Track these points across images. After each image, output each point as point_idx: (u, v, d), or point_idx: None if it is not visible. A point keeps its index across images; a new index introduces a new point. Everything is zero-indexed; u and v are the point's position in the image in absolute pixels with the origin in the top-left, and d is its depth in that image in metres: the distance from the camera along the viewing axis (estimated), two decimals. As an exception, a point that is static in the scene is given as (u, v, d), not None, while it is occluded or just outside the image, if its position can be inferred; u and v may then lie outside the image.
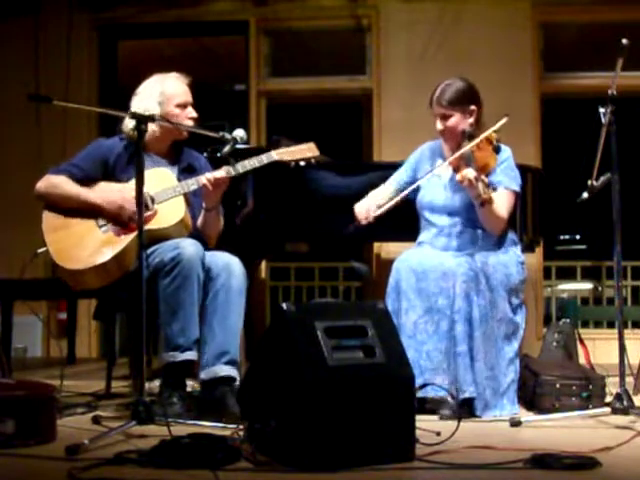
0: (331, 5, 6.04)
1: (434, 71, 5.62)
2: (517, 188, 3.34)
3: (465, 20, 5.79)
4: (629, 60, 2.94)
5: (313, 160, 3.28)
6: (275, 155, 3.19)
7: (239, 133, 3.22)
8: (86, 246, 3.11)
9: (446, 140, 3.38)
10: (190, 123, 3.28)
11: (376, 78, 5.93)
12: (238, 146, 3.24)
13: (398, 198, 3.33)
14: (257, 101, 6.10)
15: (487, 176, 3.13)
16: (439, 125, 3.34)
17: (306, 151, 3.23)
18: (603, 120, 2.93)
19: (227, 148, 3.21)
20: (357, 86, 6.14)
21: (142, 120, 2.82)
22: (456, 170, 3.21)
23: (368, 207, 3.35)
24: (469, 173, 3.05)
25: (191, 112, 3.31)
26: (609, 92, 2.95)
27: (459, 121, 3.31)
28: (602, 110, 2.94)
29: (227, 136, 3.21)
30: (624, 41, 2.88)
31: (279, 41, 6.23)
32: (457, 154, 3.22)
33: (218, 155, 3.34)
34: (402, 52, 5.86)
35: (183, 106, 3.29)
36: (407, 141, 5.38)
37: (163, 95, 3.26)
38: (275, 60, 6.20)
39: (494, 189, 3.09)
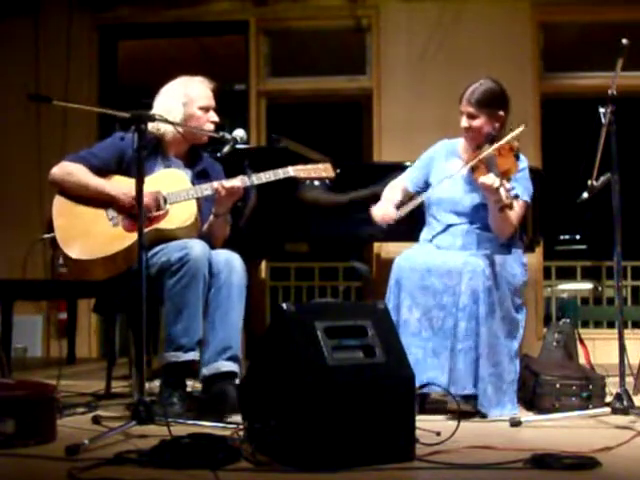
0: (331, 5, 6.04)
1: (434, 71, 5.64)
2: (529, 199, 3.33)
3: (465, 20, 5.79)
4: (629, 60, 2.94)
5: (327, 181, 3.30)
6: (292, 171, 3.21)
7: (239, 133, 3.24)
8: (94, 236, 3.12)
9: (467, 139, 3.36)
10: (210, 127, 3.30)
11: (376, 78, 5.93)
12: (238, 146, 3.25)
13: (416, 203, 3.27)
14: (257, 101, 6.10)
15: (508, 182, 3.09)
16: (464, 122, 3.30)
17: (322, 171, 3.26)
18: (603, 120, 2.93)
19: (227, 148, 3.22)
20: (357, 86, 6.14)
21: (142, 120, 2.82)
22: (473, 170, 3.19)
23: (385, 210, 3.31)
24: (495, 182, 3.00)
25: (213, 116, 3.33)
26: (609, 92, 2.95)
27: (484, 124, 3.27)
28: (602, 110, 2.94)
29: (227, 136, 3.22)
30: (624, 41, 2.88)
31: (279, 41, 6.22)
32: (478, 157, 3.18)
33: (218, 155, 3.35)
34: (402, 52, 5.86)
35: (206, 109, 3.31)
36: (407, 141, 5.44)
37: (187, 97, 3.29)
38: (275, 60, 6.20)
39: (516, 196, 3.04)
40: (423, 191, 3.40)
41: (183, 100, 3.28)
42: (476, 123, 3.28)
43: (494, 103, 3.29)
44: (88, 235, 3.13)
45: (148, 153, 3.22)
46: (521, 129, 3.19)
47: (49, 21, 6.07)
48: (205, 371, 3.01)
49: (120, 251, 3.08)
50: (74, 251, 3.10)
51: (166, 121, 3.13)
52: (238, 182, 3.15)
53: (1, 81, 5.98)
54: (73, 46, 6.05)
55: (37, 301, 5.56)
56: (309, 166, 3.26)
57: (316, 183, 3.27)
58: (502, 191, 2.99)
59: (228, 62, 6.77)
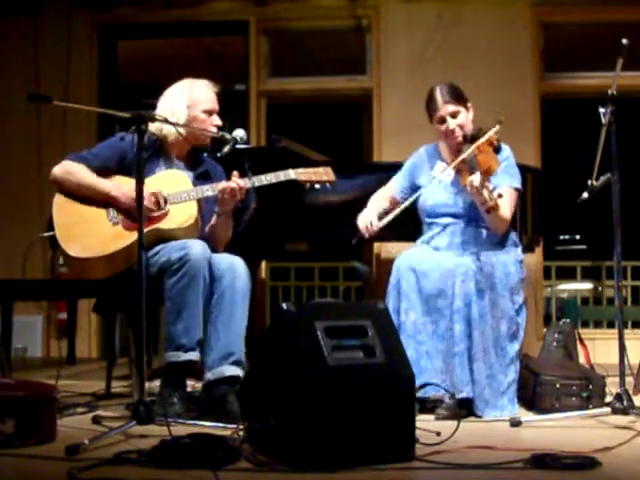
0: (331, 5, 6.04)
1: (434, 71, 5.63)
2: (519, 185, 3.35)
3: (465, 20, 5.79)
4: (629, 60, 2.94)
5: (328, 185, 3.30)
6: (293, 174, 3.22)
7: (239, 133, 3.24)
8: (95, 235, 3.12)
9: (452, 143, 3.35)
10: (214, 130, 3.29)
11: (376, 78, 5.93)
12: (238, 146, 3.25)
13: (398, 210, 3.31)
14: (257, 101, 6.10)
15: (488, 181, 3.10)
16: (450, 124, 3.31)
17: (323, 174, 3.26)
18: (603, 120, 2.94)
19: (227, 148, 3.22)
20: (357, 86, 6.14)
21: (142, 120, 2.81)
22: (459, 172, 3.23)
23: (369, 220, 3.32)
24: (475, 181, 3.04)
25: (216, 120, 3.33)
26: (609, 92, 2.95)
27: (466, 116, 3.33)
28: (602, 110, 2.94)
29: (227, 136, 3.22)
30: (624, 41, 2.89)
31: (279, 41, 6.22)
32: (459, 158, 3.23)
33: (218, 155, 3.35)
34: (402, 52, 5.86)
35: (209, 113, 3.31)
36: (407, 141, 5.39)
37: (192, 100, 3.28)
38: (275, 60, 6.20)
39: (499, 196, 3.05)
40: (409, 197, 3.40)
41: (187, 103, 3.27)
42: (460, 120, 3.31)
43: (462, 96, 3.36)
44: (88, 234, 3.13)
45: (150, 154, 3.23)
46: (498, 127, 3.25)
47: (49, 21, 6.06)
48: (210, 376, 3.00)
49: (119, 250, 3.08)
50: (73, 249, 3.10)
51: (166, 121, 3.13)
52: (240, 183, 3.16)
53: (1, 81, 5.98)
54: (73, 46, 6.04)
55: (37, 301, 5.56)
56: (310, 170, 3.26)
57: (317, 186, 3.25)
58: (485, 193, 3.00)
59: (228, 62, 6.77)
